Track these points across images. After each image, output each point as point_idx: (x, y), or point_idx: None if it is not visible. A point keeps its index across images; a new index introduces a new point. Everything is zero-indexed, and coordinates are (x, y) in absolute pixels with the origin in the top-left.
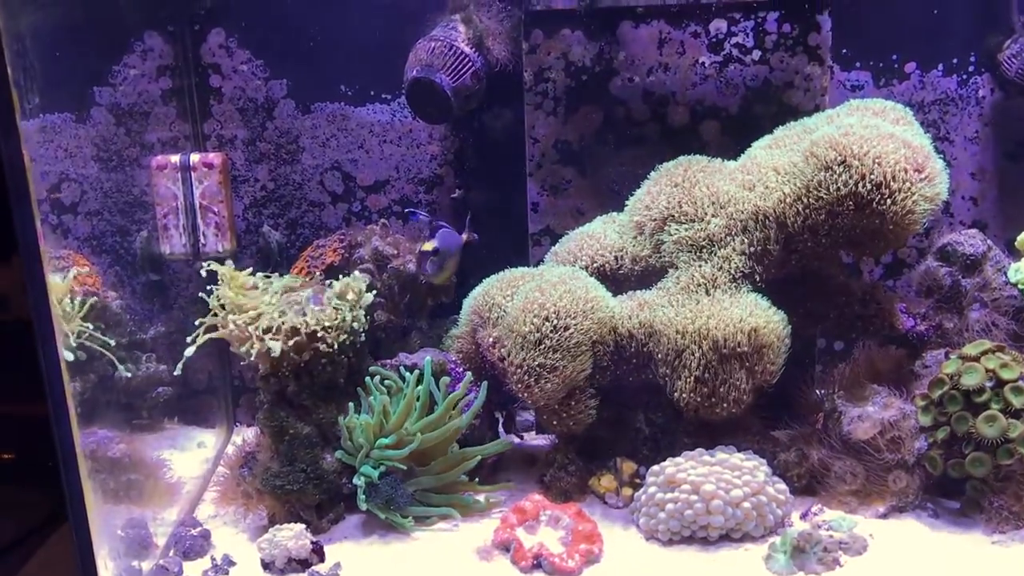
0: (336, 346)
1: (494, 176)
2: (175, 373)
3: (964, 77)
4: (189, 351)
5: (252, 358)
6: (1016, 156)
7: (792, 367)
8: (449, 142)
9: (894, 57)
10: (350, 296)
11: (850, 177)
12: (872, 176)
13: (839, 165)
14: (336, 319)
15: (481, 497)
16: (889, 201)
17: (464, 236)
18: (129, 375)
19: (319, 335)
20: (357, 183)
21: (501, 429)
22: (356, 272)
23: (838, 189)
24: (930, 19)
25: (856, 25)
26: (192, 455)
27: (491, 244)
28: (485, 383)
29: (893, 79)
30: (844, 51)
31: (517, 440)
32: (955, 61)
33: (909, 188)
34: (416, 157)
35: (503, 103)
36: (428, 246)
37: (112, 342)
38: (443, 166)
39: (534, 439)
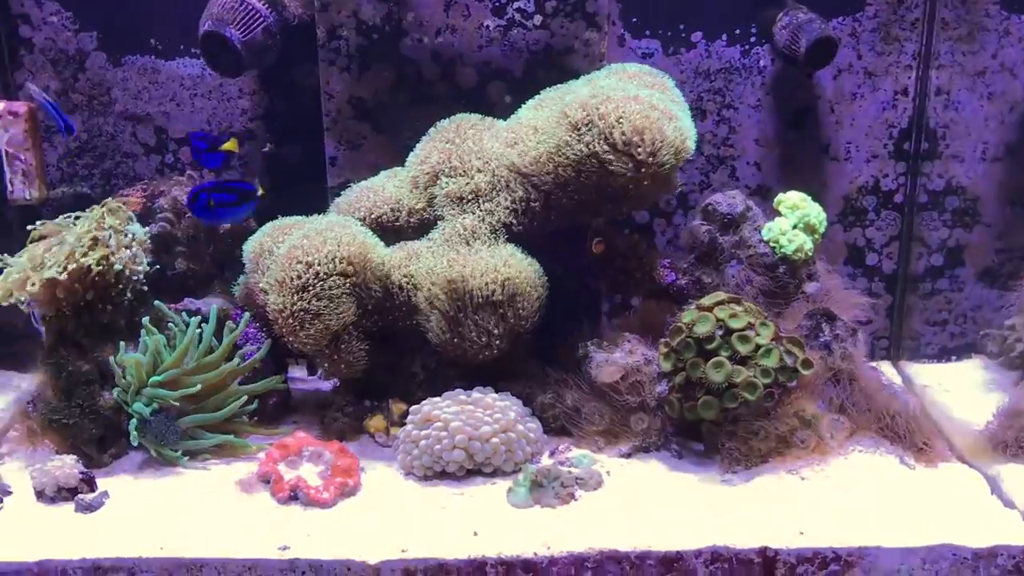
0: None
1: (300, 131)
2: None
3: (746, 47)
4: None
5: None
6: (796, 124)
7: (581, 319)
8: (259, 97)
9: (681, 27)
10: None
11: (593, 137)
12: (613, 136)
13: (585, 125)
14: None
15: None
16: (627, 159)
17: None
18: None
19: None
20: (169, 135)
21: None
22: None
23: (582, 149)
24: None
25: None
26: (5, 399)
27: (296, 197)
28: (269, 340)
29: (681, 48)
30: (634, 19)
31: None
32: (738, 32)
33: (650, 147)
34: (227, 111)
35: (312, 59)
36: None
37: None
38: (254, 120)
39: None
